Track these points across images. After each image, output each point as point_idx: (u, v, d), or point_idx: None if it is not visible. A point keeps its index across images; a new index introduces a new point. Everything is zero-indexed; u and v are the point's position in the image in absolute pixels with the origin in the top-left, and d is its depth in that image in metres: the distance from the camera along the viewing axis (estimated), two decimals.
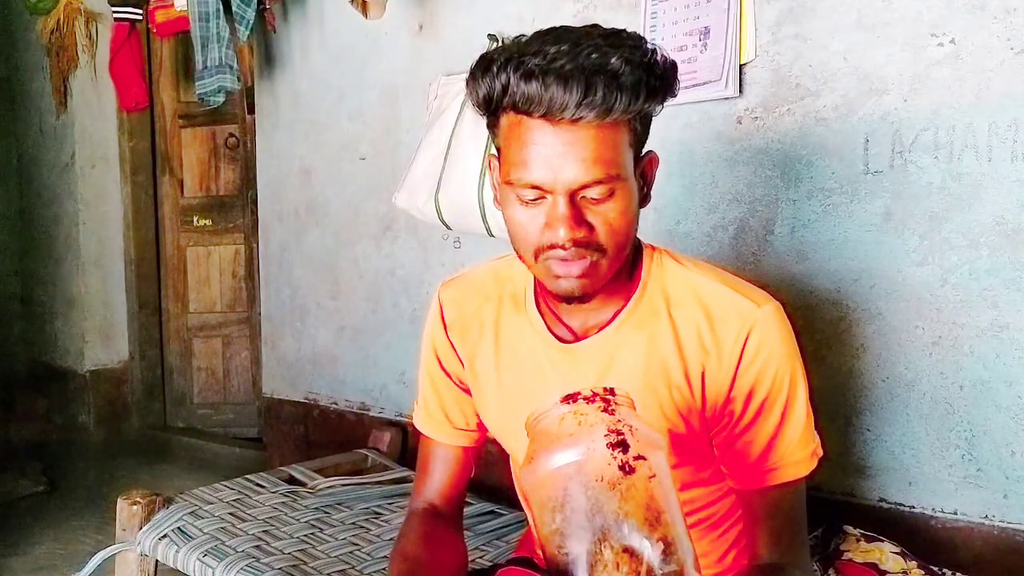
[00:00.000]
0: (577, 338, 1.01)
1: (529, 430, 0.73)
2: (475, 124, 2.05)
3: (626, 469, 0.66)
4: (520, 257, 0.95)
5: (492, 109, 0.90)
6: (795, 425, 0.96)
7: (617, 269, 0.93)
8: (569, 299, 0.93)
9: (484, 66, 0.87)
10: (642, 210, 0.95)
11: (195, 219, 3.69)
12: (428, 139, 2.12)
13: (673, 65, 0.89)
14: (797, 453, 0.96)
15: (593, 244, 0.88)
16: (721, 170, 1.77)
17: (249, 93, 3.23)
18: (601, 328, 1.00)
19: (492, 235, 2.03)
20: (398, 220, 2.44)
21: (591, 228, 0.88)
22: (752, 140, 1.74)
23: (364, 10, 2.41)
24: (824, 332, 1.64)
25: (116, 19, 3.11)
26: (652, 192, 0.97)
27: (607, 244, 0.89)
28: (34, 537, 2.60)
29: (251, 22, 2.52)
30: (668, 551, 0.64)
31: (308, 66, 2.67)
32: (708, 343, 0.95)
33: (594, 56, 0.82)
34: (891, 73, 1.57)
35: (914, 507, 1.59)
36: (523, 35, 0.89)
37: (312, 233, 2.72)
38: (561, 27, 0.88)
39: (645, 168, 0.94)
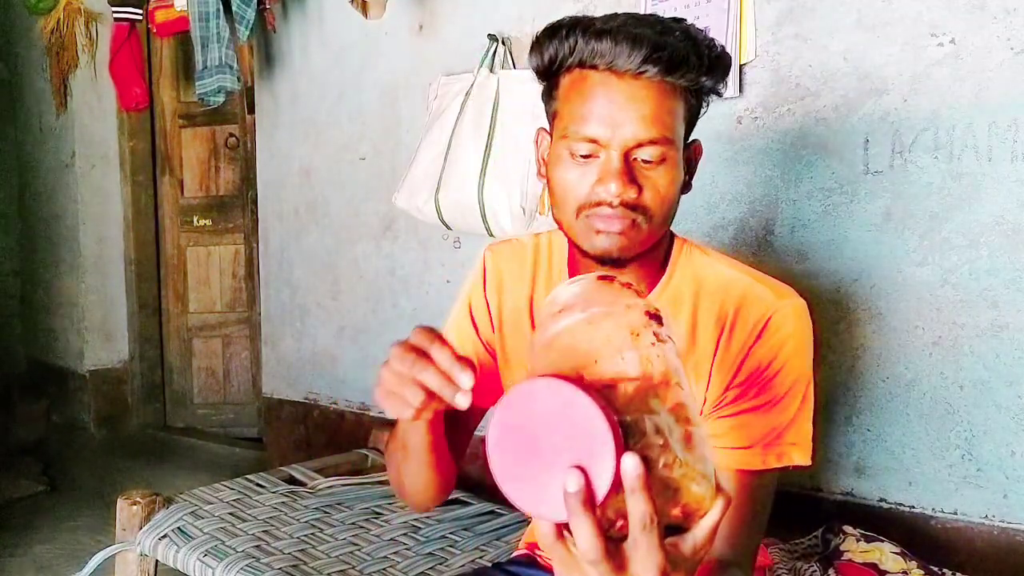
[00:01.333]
0: None
1: (555, 296, 0.72)
2: (475, 124, 2.05)
3: (659, 338, 0.66)
4: (559, 221, 0.95)
5: (554, 71, 0.91)
6: (783, 415, 0.95)
7: (655, 242, 0.94)
8: (604, 259, 0.92)
9: (551, 31, 0.90)
10: None
11: (195, 219, 3.69)
12: (428, 139, 2.13)
13: (728, 55, 0.92)
14: (773, 444, 0.95)
15: (640, 207, 0.89)
16: (721, 170, 1.77)
17: (249, 93, 3.23)
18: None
19: (492, 235, 2.03)
20: (398, 220, 2.44)
21: (640, 190, 0.88)
22: (752, 140, 1.74)
23: (364, 10, 2.41)
24: (824, 332, 1.64)
25: (116, 19, 3.11)
26: None
27: (653, 209, 0.90)
28: (34, 537, 2.60)
29: (251, 22, 2.52)
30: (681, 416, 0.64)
31: (308, 66, 2.67)
32: (727, 324, 0.96)
33: (658, 27, 0.86)
34: (891, 73, 1.57)
35: (914, 507, 1.59)
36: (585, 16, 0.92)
37: (312, 233, 2.72)
38: (628, 14, 0.91)
39: (691, 154, 0.96)
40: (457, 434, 1.05)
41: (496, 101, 2.03)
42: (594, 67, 0.87)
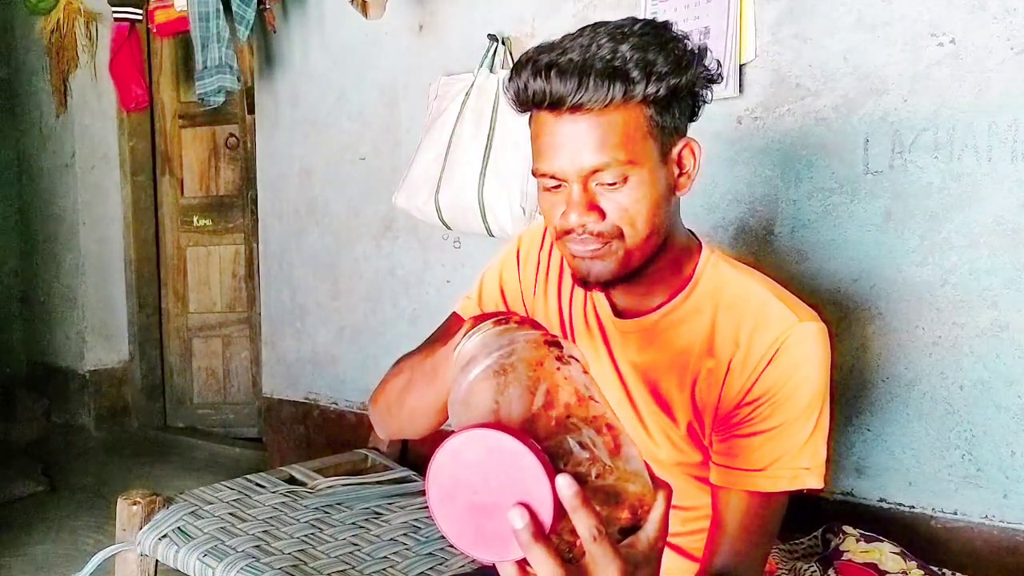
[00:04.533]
0: (622, 318, 1.04)
1: (460, 352, 0.75)
2: (475, 124, 2.05)
3: (562, 360, 0.69)
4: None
5: (524, 107, 0.94)
6: (797, 439, 0.94)
7: (641, 259, 0.94)
8: (585, 283, 0.95)
9: (515, 66, 0.92)
10: None
11: (195, 219, 3.69)
12: (428, 139, 2.13)
13: (696, 51, 0.91)
14: (786, 467, 0.94)
15: (607, 231, 0.90)
16: (721, 170, 1.77)
17: (249, 93, 3.23)
18: (646, 313, 1.01)
19: (492, 235, 2.03)
20: (398, 220, 2.44)
21: (603, 214, 0.90)
22: (752, 140, 1.74)
23: (364, 10, 2.41)
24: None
25: (116, 19, 3.12)
26: None
27: (624, 229, 0.91)
28: (34, 537, 2.60)
29: (251, 22, 2.52)
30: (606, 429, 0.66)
31: (308, 66, 2.67)
32: (743, 341, 0.96)
33: (605, 46, 0.86)
34: (891, 73, 1.57)
35: (914, 507, 1.59)
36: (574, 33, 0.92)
37: (312, 233, 2.72)
38: (600, 23, 0.91)
39: (681, 155, 0.95)
40: None
41: (496, 101, 2.03)
42: (539, 106, 0.90)
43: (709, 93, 0.95)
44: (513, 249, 1.17)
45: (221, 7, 2.55)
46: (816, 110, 1.65)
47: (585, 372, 0.70)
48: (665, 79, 0.87)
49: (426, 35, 2.34)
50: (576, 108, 0.86)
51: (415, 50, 2.37)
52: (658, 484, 0.65)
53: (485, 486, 0.60)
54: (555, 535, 0.60)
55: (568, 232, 0.92)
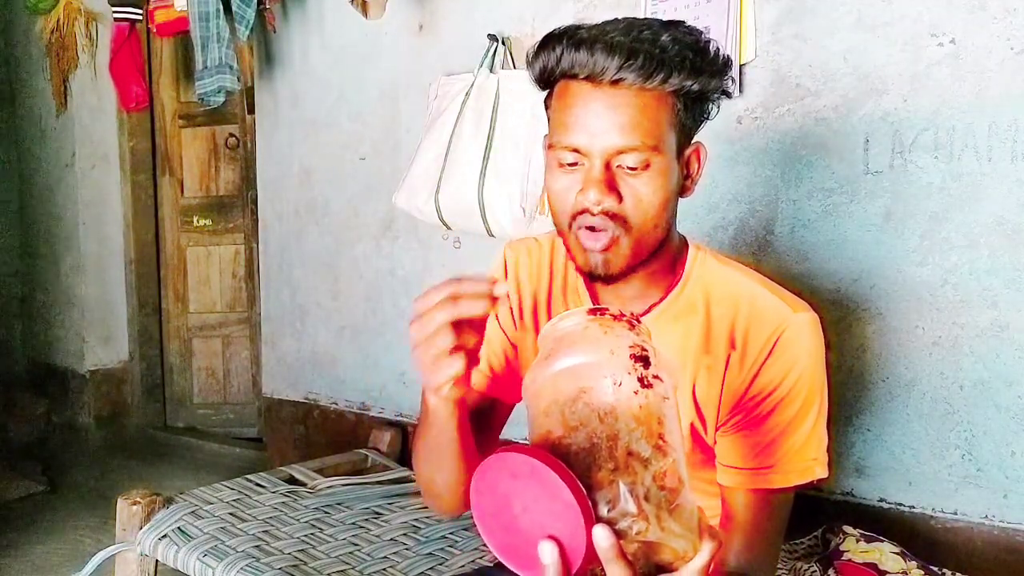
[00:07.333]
0: None
1: (546, 335, 0.73)
2: (475, 124, 2.05)
3: (644, 383, 0.66)
4: (558, 229, 0.96)
5: (548, 83, 0.93)
6: (802, 431, 0.95)
7: (646, 253, 0.93)
8: (592, 276, 0.94)
9: (544, 41, 0.92)
10: None
11: (195, 219, 3.69)
12: (428, 139, 2.13)
13: (726, 59, 0.92)
14: (795, 460, 0.95)
15: (620, 217, 0.89)
16: (721, 170, 1.77)
17: (249, 93, 3.23)
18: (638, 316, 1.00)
19: (492, 235, 2.03)
20: (398, 220, 2.44)
21: (621, 198, 0.89)
22: (752, 140, 1.74)
23: (364, 10, 2.41)
24: (824, 332, 1.63)
25: (116, 19, 3.11)
26: None
27: (634, 220, 0.90)
28: (34, 537, 2.60)
29: (251, 22, 2.52)
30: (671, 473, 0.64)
31: (308, 66, 2.67)
32: (738, 339, 0.96)
33: (645, 33, 0.87)
34: (891, 73, 1.57)
35: (914, 507, 1.59)
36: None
37: (312, 233, 2.72)
38: (631, 17, 0.92)
39: (690, 157, 0.96)
40: (483, 433, 1.03)
41: (496, 101, 2.03)
42: (575, 77, 0.88)
43: (716, 108, 0.96)
44: (500, 264, 1.13)
45: (221, 7, 2.55)
46: (816, 110, 1.65)
47: (666, 397, 0.66)
48: (702, 75, 0.88)
49: (426, 35, 2.34)
50: (616, 83, 0.86)
51: (415, 50, 2.37)
52: (706, 534, 0.63)
53: (523, 508, 0.61)
54: (584, 571, 0.60)
55: (582, 212, 0.90)
